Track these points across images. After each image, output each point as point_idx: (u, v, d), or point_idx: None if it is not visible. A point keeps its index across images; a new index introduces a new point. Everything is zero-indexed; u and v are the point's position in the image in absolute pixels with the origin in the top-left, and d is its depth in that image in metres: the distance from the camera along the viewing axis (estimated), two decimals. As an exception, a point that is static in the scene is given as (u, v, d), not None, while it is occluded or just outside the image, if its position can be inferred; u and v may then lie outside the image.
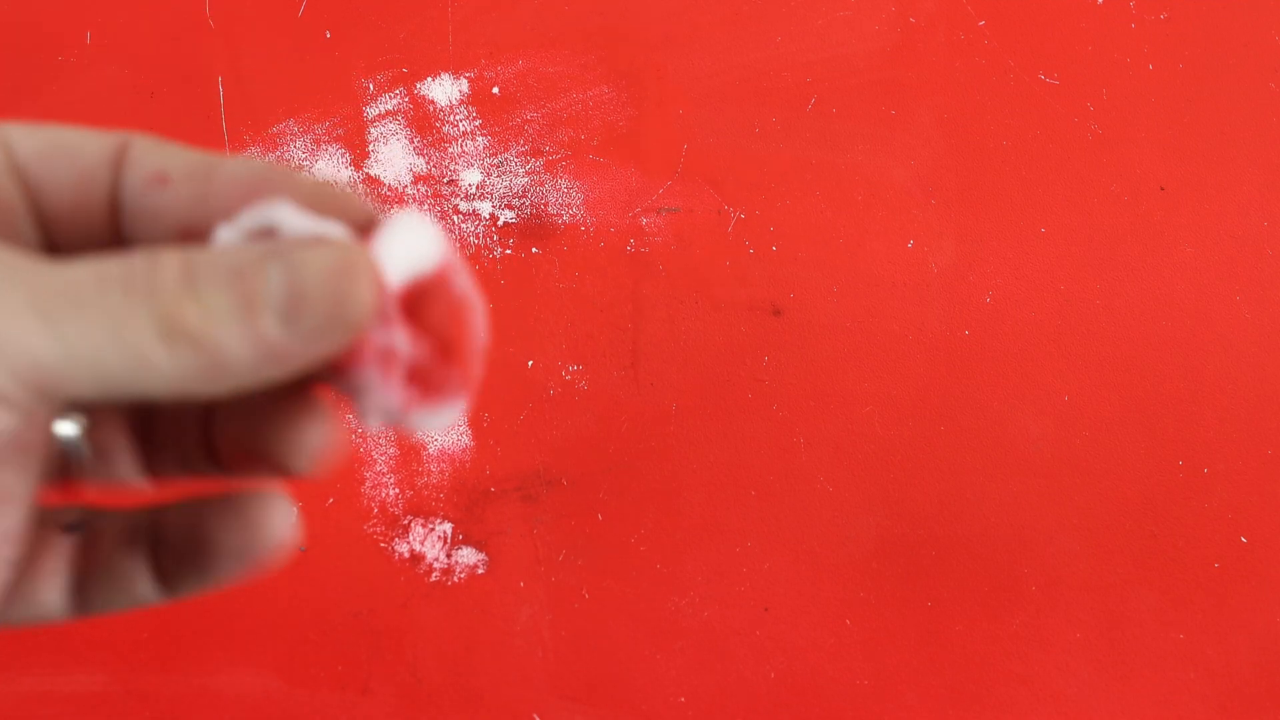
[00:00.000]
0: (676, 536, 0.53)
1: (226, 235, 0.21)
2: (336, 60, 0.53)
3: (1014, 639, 0.53)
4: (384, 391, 0.22)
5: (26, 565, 0.24)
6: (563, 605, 0.53)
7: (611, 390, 0.52)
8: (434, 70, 0.53)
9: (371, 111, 0.53)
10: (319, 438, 0.23)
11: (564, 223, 0.53)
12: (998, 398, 0.52)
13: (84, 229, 0.24)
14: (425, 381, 0.22)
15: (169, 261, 0.20)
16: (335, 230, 0.22)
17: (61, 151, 0.23)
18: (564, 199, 0.53)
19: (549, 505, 0.52)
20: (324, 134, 0.53)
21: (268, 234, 0.22)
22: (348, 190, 0.23)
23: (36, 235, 0.23)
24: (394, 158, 0.53)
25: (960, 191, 0.53)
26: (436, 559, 0.52)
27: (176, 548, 0.23)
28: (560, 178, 0.53)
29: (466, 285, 0.22)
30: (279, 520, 0.23)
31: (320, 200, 0.22)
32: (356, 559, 0.52)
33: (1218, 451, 0.52)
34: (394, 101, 0.53)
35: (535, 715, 0.53)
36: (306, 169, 0.24)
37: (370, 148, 0.53)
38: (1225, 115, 0.53)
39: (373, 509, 0.52)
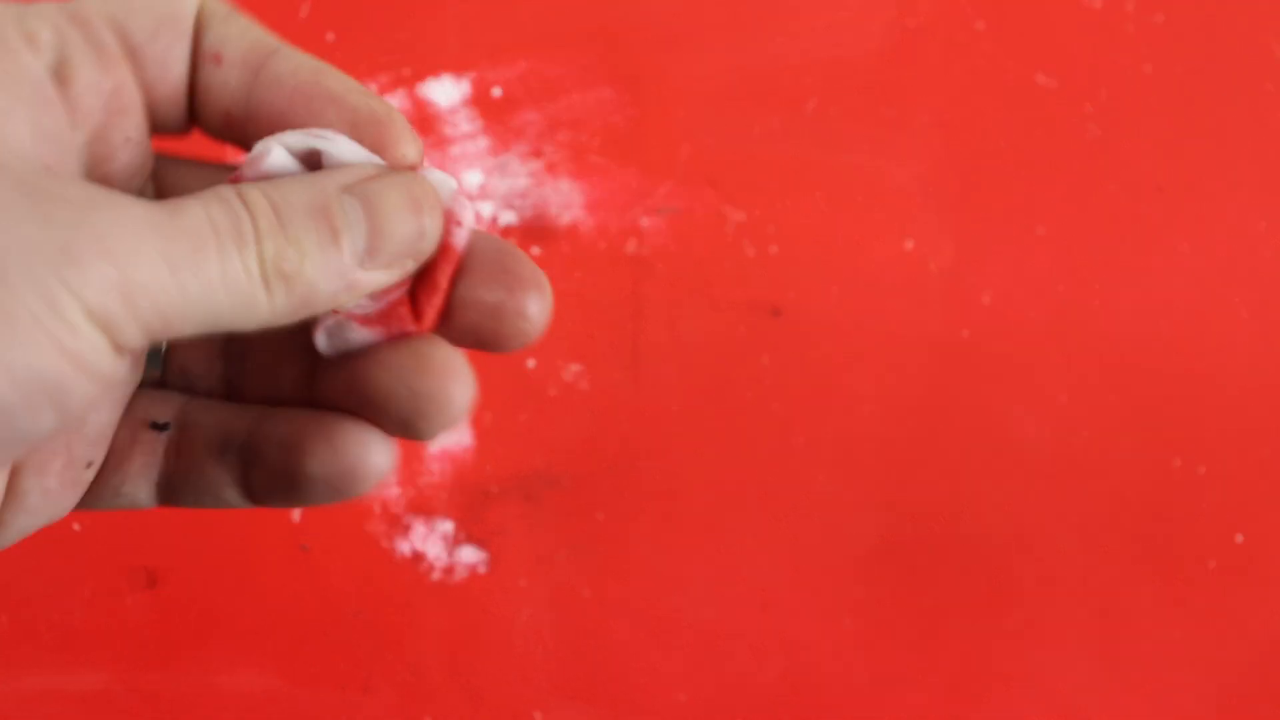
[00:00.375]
0: (676, 536, 0.53)
1: (271, 150, 0.21)
2: (338, 62, 0.53)
3: (1012, 638, 0.53)
4: (349, 316, 0.22)
5: (115, 463, 0.24)
6: (563, 604, 0.53)
7: (611, 390, 0.53)
8: (435, 72, 0.53)
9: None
10: (460, 398, 0.22)
11: (565, 224, 0.53)
12: (996, 397, 0.53)
13: (173, 107, 0.23)
14: (386, 315, 0.22)
15: (260, 205, 0.20)
16: (377, 160, 0.22)
17: (167, 25, 0.22)
18: (565, 200, 0.53)
19: (549, 505, 0.52)
20: (326, 135, 0.53)
21: (311, 155, 0.22)
22: (398, 120, 0.22)
23: (145, 122, 0.23)
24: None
25: (959, 192, 0.53)
26: (438, 558, 0.53)
27: (266, 466, 0.23)
28: (561, 179, 0.53)
29: (461, 239, 0.22)
30: (376, 456, 0.22)
31: (368, 128, 0.22)
32: (358, 558, 0.53)
33: (1214, 451, 0.53)
34: (395, 103, 0.53)
35: (536, 713, 0.53)
36: (356, 84, 0.24)
37: (372, 149, 0.53)
38: (1223, 117, 0.53)
39: (374, 508, 0.53)
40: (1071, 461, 0.52)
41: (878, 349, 0.53)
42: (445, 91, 0.53)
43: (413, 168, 0.22)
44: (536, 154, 0.53)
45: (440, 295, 0.22)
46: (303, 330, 0.23)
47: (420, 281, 0.23)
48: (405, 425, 0.22)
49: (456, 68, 0.53)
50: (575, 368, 0.52)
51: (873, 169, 0.53)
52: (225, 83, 0.22)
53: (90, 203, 0.19)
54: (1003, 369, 0.53)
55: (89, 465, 0.23)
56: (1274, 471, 0.53)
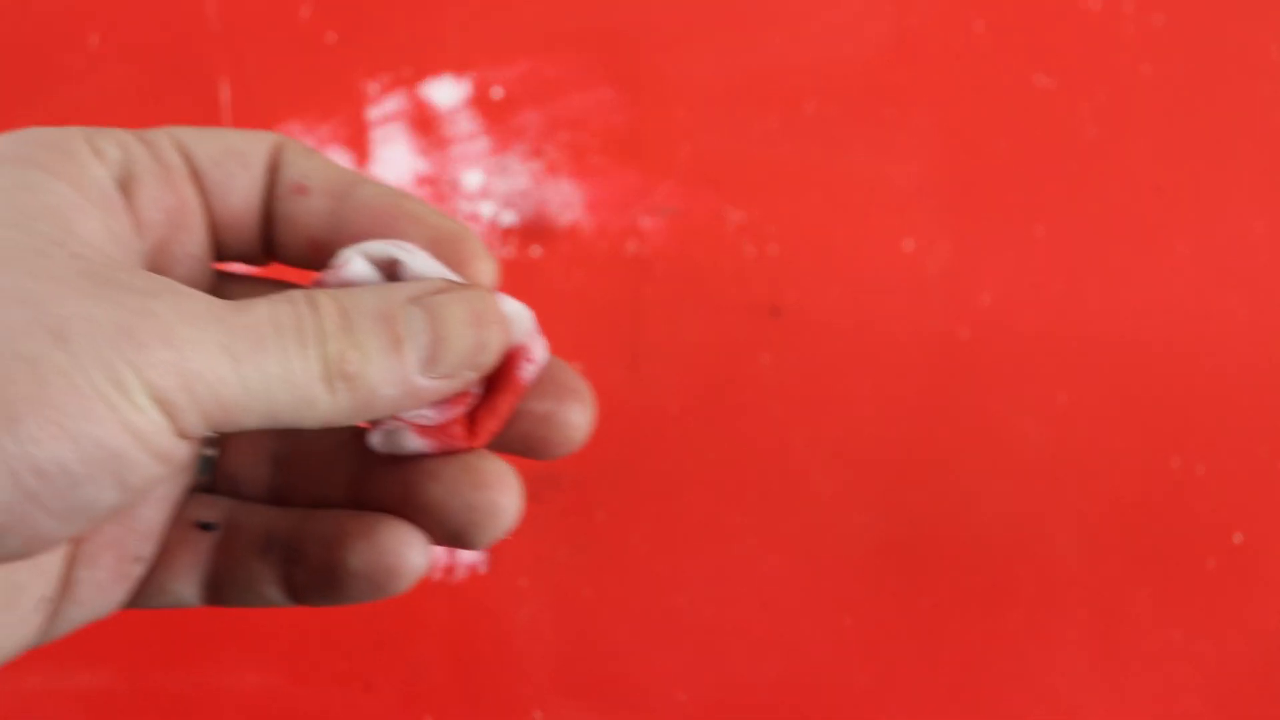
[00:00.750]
0: (676, 536, 0.53)
1: (352, 260, 0.22)
2: (339, 63, 0.54)
3: (1012, 637, 0.53)
4: (408, 424, 0.23)
5: (164, 561, 0.25)
6: (563, 603, 0.53)
7: (611, 390, 0.53)
8: (435, 72, 0.53)
9: (374, 113, 0.53)
10: (509, 511, 0.23)
11: (565, 224, 0.53)
12: (995, 398, 0.53)
13: (242, 233, 0.24)
14: (443, 429, 0.23)
15: (328, 307, 0.21)
16: (453, 276, 0.23)
17: (234, 156, 0.24)
18: (565, 200, 0.53)
19: (549, 505, 0.53)
20: (327, 136, 0.54)
21: (390, 264, 0.23)
22: (474, 241, 0.23)
23: (207, 241, 0.24)
24: (396, 159, 0.54)
25: (958, 193, 0.53)
26: (438, 557, 0.53)
27: (308, 563, 0.24)
28: (561, 179, 0.53)
29: (529, 374, 0.24)
30: (414, 554, 0.23)
31: (446, 246, 0.23)
32: (358, 558, 0.53)
33: (1212, 451, 0.53)
34: (396, 104, 0.53)
35: (536, 712, 0.53)
36: (434, 208, 0.25)
37: (372, 150, 0.53)
38: (1221, 117, 0.53)
39: (375, 508, 0.53)
40: (1071, 461, 0.53)
41: (878, 349, 0.53)
42: (445, 91, 0.53)
43: (486, 287, 0.23)
44: (536, 154, 0.53)
45: (498, 421, 0.23)
46: (352, 440, 0.24)
47: (482, 404, 0.23)
48: (457, 535, 0.23)
49: (456, 68, 0.53)
50: (575, 368, 0.52)
51: (873, 169, 0.53)
52: (310, 210, 0.24)
53: (156, 291, 0.19)
54: (1002, 368, 0.53)
55: (138, 560, 0.24)
56: (1273, 471, 0.53)
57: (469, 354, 0.22)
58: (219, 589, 0.25)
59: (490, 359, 0.22)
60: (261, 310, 0.20)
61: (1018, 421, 0.53)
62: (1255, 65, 0.53)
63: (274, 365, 0.20)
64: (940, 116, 0.53)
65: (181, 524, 0.25)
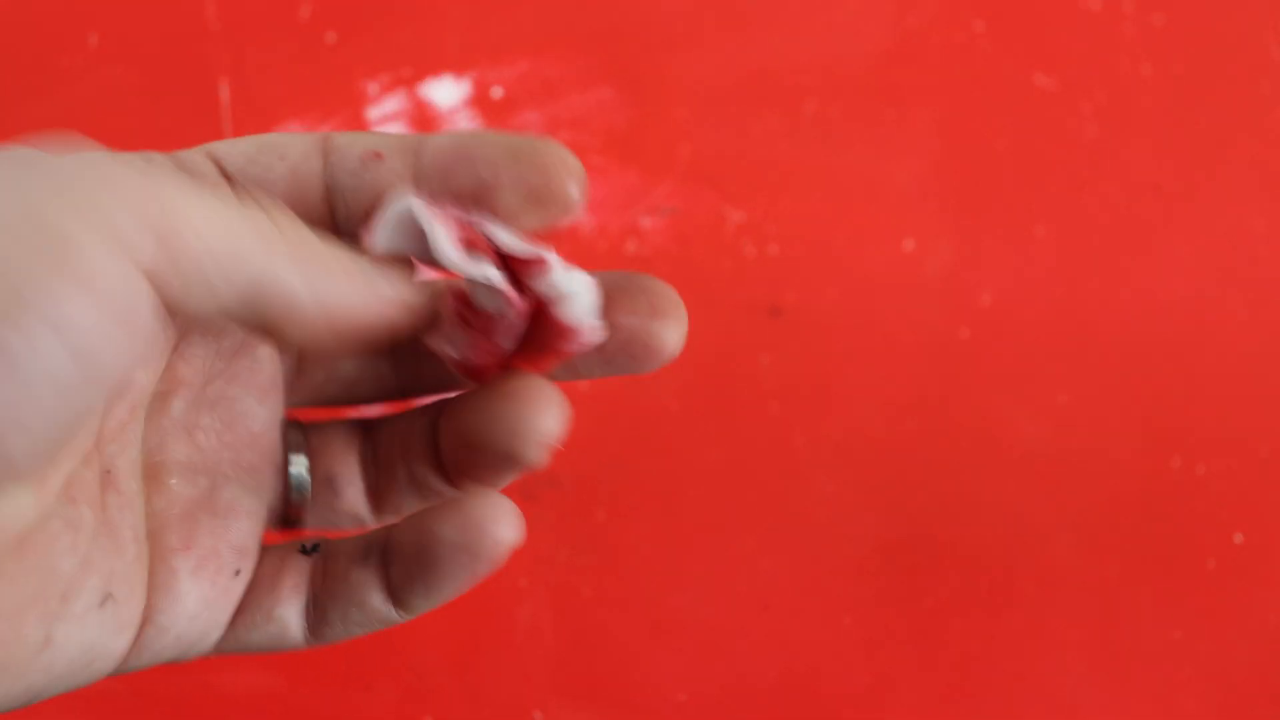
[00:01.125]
0: (676, 536, 0.53)
1: (380, 230, 0.23)
2: (339, 63, 0.54)
3: (1012, 637, 0.53)
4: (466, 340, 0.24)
5: (267, 585, 0.25)
6: (563, 604, 0.53)
7: (611, 390, 0.53)
8: (435, 72, 0.53)
9: (374, 113, 0.53)
10: (548, 421, 0.23)
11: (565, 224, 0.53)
12: (995, 398, 0.53)
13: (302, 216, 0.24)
14: (496, 350, 0.24)
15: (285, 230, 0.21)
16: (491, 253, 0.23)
17: (268, 150, 0.23)
18: (565, 200, 0.53)
19: (549, 505, 0.53)
20: (326, 136, 0.53)
21: (409, 223, 0.22)
22: (554, 151, 0.23)
23: None
24: (396, 159, 0.53)
25: (958, 193, 0.53)
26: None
27: (405, 559, 0.24)
28: (561, 179, 0.53)
29: (573, 349, 0.23)
30: (503, 518, 0.23)
31: (525, 164, 0.22)
32: (358, 558, 0.53)
33: (1213, 451, 0.53)
34: (396, 104, 0.53)
35: (536, 712, 0.53)
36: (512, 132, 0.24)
37: (372, 149, 0.53)
38: (1222, 117, 0.53)
39: (374, 508, 0.53)
40: (1071, 461, 0.53)
41: (878, 349, 0.53)
42: (445, 91, 0.53)
43: (564, 206, 0.24)
44: (536, 154, 0.53)
45: (538, 370, 0.24)
46: (425, 422, 0.25)
47: (520, 355, 0.24)
48: (508, 456, 0.23)
49: (457, 68, 0.53)
50: (575, 368, 0.52)
51: (873, 169, 0.53)
52: (390, 170, 0.23)
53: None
54: (1002, 369, 0.53)
55: (237, 573, 0.24)
56: (1273, 471, 0.53)
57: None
58: (323, 610, 0.25)
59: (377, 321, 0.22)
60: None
61: (1018, 421, 0.53)
62: (1255, 65, 0.53)
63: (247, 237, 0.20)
64: (940, 116, 0.53)
65: (282, 550, 0.25)
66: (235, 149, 0.24)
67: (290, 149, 0.23)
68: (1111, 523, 0.53)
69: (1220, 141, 0.53)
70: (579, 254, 0.53)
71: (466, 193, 0.23)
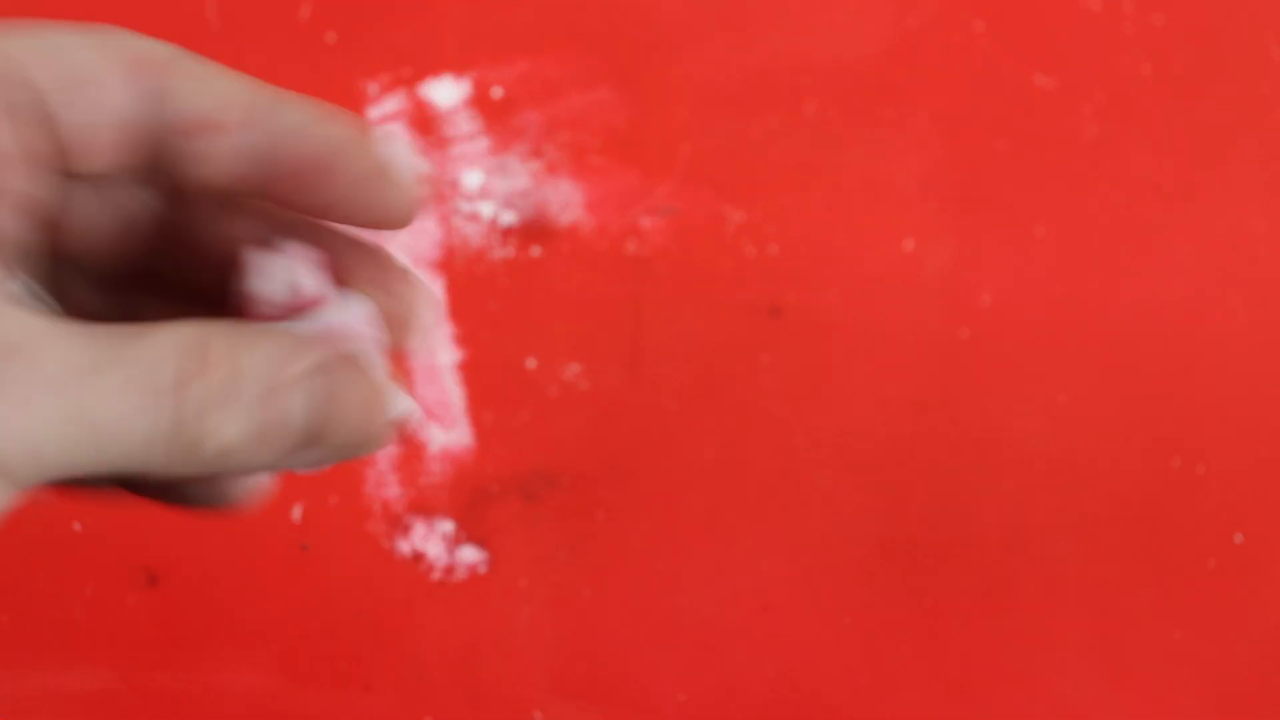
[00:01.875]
0: (676, 536, 0.53)
1: (258, 283, 0.20)
2: (339, 63, 0.54)
3: (1012, 637, 0.53)
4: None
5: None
6: (563, 604, 0.53)
7: (611, 390, 0.53)
8: (435, 72, 0.53)
9: (374, 114, 0.53)
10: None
11: (565, 224, 0.53)
12: (995, 398, 0.53)
13: (119, 167, 0.20)
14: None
15: (218, 368, 0.18)
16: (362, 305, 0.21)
17: (82, 87, 0.19)
18: (565, 200, 0.53)
19: (549, 505, 0.53)
20: (326, 136, 0.53)
21: (296, 290, 0.20)
22: (403, 182, 0.22)
23: (50, 194, 0.20)
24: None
25: (958, 193, 0.53)
26: (438, 558, 0.53)
27: None
28: (561, 179, 0.53)
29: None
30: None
31: (369, 193, 0.21)
32: (359, 557, 0.53)
33: (1213, 451, 0.53)
34: (396, 104, 0.53)
35: (536, 712, 0.53)
36: (379, 139, 0.22)
37: (372, 149, 0.53)
38: (1222, 117, 0.53)
39: (374, 508, 0.53)
40: (1071, 461, 0.53)
41: (878, 349, 0.53)
42: (445, 92, 0.53)
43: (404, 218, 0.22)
44: (536, 154, 0.53)
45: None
46: None
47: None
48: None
49: (456, 68, 0.53)
50: (575, 368, 0.52)
51: (873, 169, 0.53)
52: (229, 148, 0.20)
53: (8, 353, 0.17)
54: (1002, 369, 0.53)
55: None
56: (1274, 471, 0.53)
57: (350, 445, 0.19)
58: None
59: (376, 447, 0.20)
60: (111, 352, 0.17)
61: (1018, 421, 0.53)
62: (1255, 65, 0.53)
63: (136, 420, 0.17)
64: (940, 116, 0.53)
65: None
66: (47, 71, 0.19)
67: (108, 91, 0.19)
68: (1111, 523, 0.53)
69: (1220, 141, 0.53)
70: (579, 254, 0.54)
71: (300, 176, 0.20)
